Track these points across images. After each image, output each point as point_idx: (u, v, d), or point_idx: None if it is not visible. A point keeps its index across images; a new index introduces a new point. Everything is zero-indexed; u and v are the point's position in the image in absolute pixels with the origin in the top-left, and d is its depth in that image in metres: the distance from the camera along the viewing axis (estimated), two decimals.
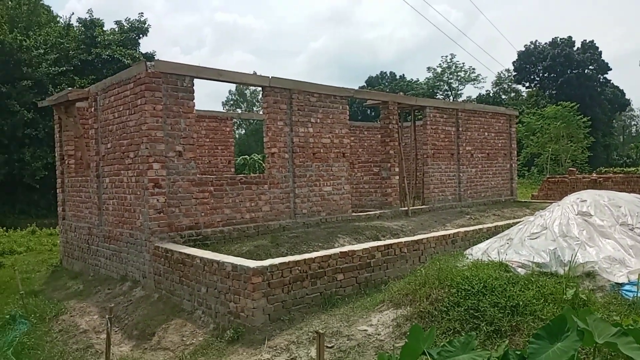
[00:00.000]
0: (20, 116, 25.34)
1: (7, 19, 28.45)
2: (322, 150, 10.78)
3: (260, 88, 10.38)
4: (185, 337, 6.70)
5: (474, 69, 60.13)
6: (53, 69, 27.83)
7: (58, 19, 34.81)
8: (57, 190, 12.37)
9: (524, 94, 57.72)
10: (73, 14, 52.86)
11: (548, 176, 25.47)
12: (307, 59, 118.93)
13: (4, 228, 20.71)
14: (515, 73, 57.73)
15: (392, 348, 5.07)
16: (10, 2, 30.47)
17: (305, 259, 6.86)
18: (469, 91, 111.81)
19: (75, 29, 31.74)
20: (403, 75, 64.63)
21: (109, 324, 6.07)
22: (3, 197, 27.51)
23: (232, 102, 67.67)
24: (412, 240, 8.42)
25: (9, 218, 25.31)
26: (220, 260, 6.78)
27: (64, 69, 28.47)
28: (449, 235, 9.14)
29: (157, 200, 8.30)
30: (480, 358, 3.08)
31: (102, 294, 9.08)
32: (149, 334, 7.07)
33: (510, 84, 60.22)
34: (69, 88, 12.00)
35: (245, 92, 66.20)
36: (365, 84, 62.48)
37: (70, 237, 11.73)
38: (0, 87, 25.22)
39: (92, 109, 10.16)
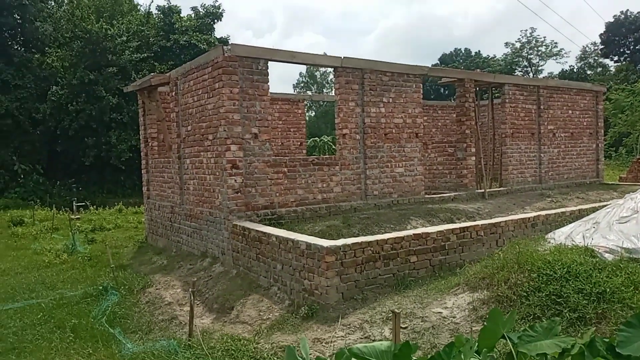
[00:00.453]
0: (106, 101, 27.02)
1: (93, 9, 30.24)
2: (394, 131, 10.65)
3: (331, 69, 10.37)
4: (262, 312, 6.95)
5: (556, 43, 56.67)
6: (135, 55, 29.33)
7: (139, 7, 36.55)
8: (142, 171, 13.12)
9: (612, 68, 53.60)
10: (152, 1, 55.31)
11: (638, 157, 23.65)
12: (378, 38, 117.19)
13: (94, 206, 22.32)
14: (602, 46, 53.64)
15: (468, 331, 5.00)
16: None
17: (377, 240, 6.87)
18: (551, 67, 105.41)
19: (154, 16, 33.18)
20: (479, 51, 62.15)
21: (192, 297, 6.43)
22: (93, 178, 29.63)
23: (302, 85, 68.25)
24: (489, 223, 8.17)
25: (98, 197, 27.26)
26: (294, 239, 6.94)
27: (145, 55, 29.92)
28: (529, 218, 8.77)
29: (235, 180, 8.60)
30: (565, 344, 2.95)
31: (184, 269, 9.60)
32: (228, 308, 7.41)
33: (596, 58, 56.13)
34: (151, 74, 12.62)
35: (316, 74, 66.47)
36: (438, 62, 60.70)
37: (154, 215, 12.45)
38: (88, 74, 26.96)
39: (173, 93, 10.64)
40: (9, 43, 29.15)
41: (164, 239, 11.80)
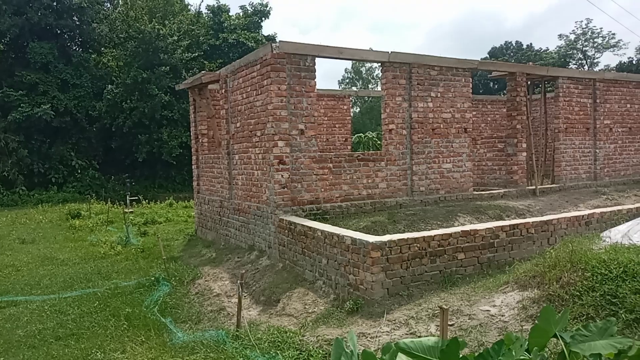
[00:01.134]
0: (158, 99, 27.89)
1: (146, 10, 31.24)
2: (442, 126, 10.49)
3: (377, 64, 10.32)
4: (307, 305, 7.04)
5: (614, 34, 53.95)
6: (186, 54, 30.11)
7: (189, 7, 37.46)
8: (192, 166, 13.50)
9: None
10: (202, 1, 56.56)
11: None
12: (427, 32, 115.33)
13: (146, 200, 23.13)
14: None
15: (518, 330, 4.89)
16: None
17: (424, 237, 6.81)
18: (607, 59, 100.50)
19: (204, 15, 33.94)
20: (530, 44, 59.98)
21: (240, 289, 6.59)
22: (145, 173, 30.70)
23: (347, 81, 68.07)
24: (540, 221, 7.94)
25: (150, 192, 28.24)
26: (340, 234, 6.98)
27: (196, 54, 30.66)
28: (583, 216, 8.46)
29: (282, 176, 8.73)
30: (621, 345, 2.86)
31: (232, 262, 9.82)
32: (274, 301, 7.54)
33: None
34: (202, 72, 12.94)
35: (361, 69, 66.12)
36: (488, 56, 59.10)
37: (204, 209, 12.79)
38: (141, 73, 27.89)
39: (223, 90, 10.88)
40: (69, 44, 30.58)
41: (213, 232, 12.10)
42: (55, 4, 28.34)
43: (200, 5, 37.04)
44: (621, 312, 4.57)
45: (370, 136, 35.06)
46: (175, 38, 29.71)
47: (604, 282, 4.91)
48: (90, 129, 29.46)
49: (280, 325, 6.60)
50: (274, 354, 5.61)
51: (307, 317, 6.70)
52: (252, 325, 6.66)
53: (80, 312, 7.97)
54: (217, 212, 11.77)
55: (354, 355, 2.28)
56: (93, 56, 30.92)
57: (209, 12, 33.60)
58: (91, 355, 6.24)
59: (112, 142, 29.81)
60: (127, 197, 20.94)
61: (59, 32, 29.36)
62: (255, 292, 8.07)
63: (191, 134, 13.53)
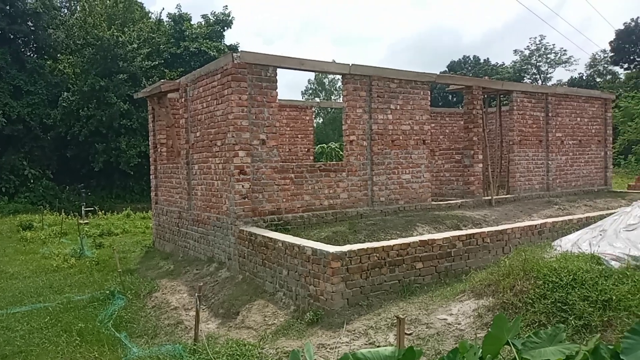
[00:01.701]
0: (116, 107, 27.27)
1: (105, 16, 30.60)
2: (401, 137, 10.67)
3: (339, 76, 10.43)
4: (267, 317, 6.97)
5: (565, 50, 56.56)
6: (146, 62, 29.62)
7: (150, 14, 36.92)
8: (151, 176, 13.22)
9: (621, 76, 53.27)
10: (163, 9, 55.79)
11: None
12: (388, 46, 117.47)
13: (103, 211, 22.49)
14: (612, 54, 53.36)
15: (473, 338, 4.99)
16: (108, 1, 32.72)
17: (383, 246, 6.87)
18: (560, 74, 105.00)
19: (165, 23, 33.51)
20: (487, 59, 62.05)
21: (198, 302, 6.46)
22: (102, 183, 29.88)
23: (310, 92, 68.44)
24: (495, 230, 8.15)
25: (106, 202, 27.48)
26: (301, 245, 6.96)
27: (156, 63, 30.20)
28: (536, 225, 8.74)
29: (243, 186, 8.66)
30: (569, 351, 2.95)
31: (190, 274, 9.64)
32: (233, 313, 7.43)
33: (606, 65, 55.86)
34: (162, 80, 12.74)
35: (324, 80, 66.65)
36: (446, 69, 60.67)
37: (162, 220, 12.53)
38: (99, 81, 27.24)
39: (183, 99, 10.74)
40: (22, 50, 29.57)
41: (171, 244, 11.86)
42: (8, 8, 27.41)
43: (161, 13, 36.63)
44: (571, 318, 4.72)
45: (333, 147, 35.30)
46: (135, 46, 29.20)
47: (554, 290, 5.07)
48: (45, 138, 28.49)
49: (240, 338, 6.51)
50: None
51: (267, 329, 6.64)
52: (210, 339, 6.54)
53: (29, 328, 7.64)
54: (175, 223, 11.55)
55: None
56: (48, 62, 30.00)
57: (170, 20, 33.21)
58: None
59: (68, 151, 28.90)
60: (82, 208, 20.32)
61: (12, 37, 28.37)
62: (214, 304, 7.94)
63: (150, 144, 13.27)
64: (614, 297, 4.74)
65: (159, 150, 12.78)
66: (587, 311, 4.71)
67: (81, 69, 29.12)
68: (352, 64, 9.96)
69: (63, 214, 21.41)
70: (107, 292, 9.20)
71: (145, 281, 9.84)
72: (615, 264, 5.42)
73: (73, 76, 29.73)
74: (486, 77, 15.50)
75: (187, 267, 10.06)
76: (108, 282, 10.12)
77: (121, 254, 12.44)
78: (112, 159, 28.08)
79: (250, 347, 6.02)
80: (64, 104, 27.39)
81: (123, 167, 28.10)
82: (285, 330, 6.41)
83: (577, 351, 3.01)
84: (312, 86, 68.43)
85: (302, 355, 2.64)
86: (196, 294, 6.57)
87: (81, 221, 17.11)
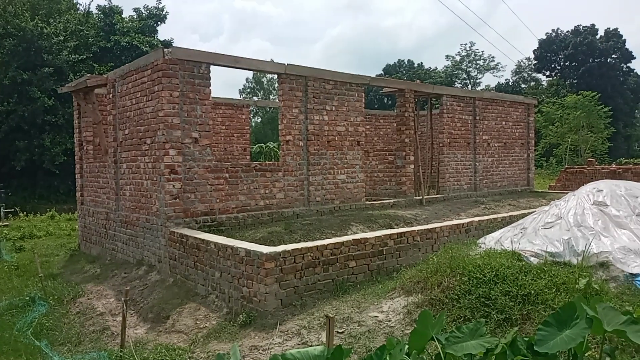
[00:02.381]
0: (40, 103, 25.72)
1: (28, 6, 28.78)
2: (336, 138, 10.77)
3: (276, 75, 10.38)
4: (199, 321, 6.81)
5: (493, 57, 59.61)
6: (73, 56, 28.13)
7: (78, 6, 35.07)
8: (76, 175, 12.58)
9: (544, 83, 56.79)
10: (92, 1, 53.23)
11: (566, 166, 25.11)
12: (325, 47, 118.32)
13: (25, 213, 21.14)
14: (536, 62, 56.77)
15: (402, 334, 5.10)
16: None
17: (317, 246, 6.90)
18: (488, 80, 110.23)
19: (94, 16, 32.00)
20: (421, 63, 64.06)
21: (124, 307, 6.20)
22: (24, 183, 28.08)
23: (249, 90, 67.78)
24: (425, 229, 8.41)
25: (29, 203, 25.84)
26: (234, 246, 6.86)
27: (84, 56, 28.77)
28: (463, 224, 9.10)
29: (173, 186, 8.41)
30: (489, 344, 3.08)
31: (118, 278, 9.25)
32: (163, 317, 7.20)
33: (530, 72, 59.35)
34: (88, 75, 12.15)
35: (262, 80, 66.20)
36: (382, 72, 62.05)
37: (88, 221, 11.95)
38: (21, 74, 25.59)
39: (111, 95, 10.28)
40: None
41: (98, 247, 11.33)
42: None
43: (89, 5, 34.94)
44: (493, 312, 4.94)
45: (271, 146, 35.10)
46: (62, 38, 27.68)
47: (479, 286, 5.28)
48: None
49: (170, 342, 6.32)
50: None
51: (198, 332, 6.48)
52: (138, 344, 6.30)
53: None
54: (102, 225, 11.04)
55: None
56: None
57: (99, 12, 31.71)
58: None
59: None
60: (1, 209, 19.04)
61: None
62: (143, 309, 7.65)
63: (75, 141, 12.62)
64: (533, 292, 5.01)
65: (85, 148, 12.18)
66: (508, 305, 4.95)
67: (1, 61, 27.20)
68: (287, 64, 9.94)
69: None
70: (27, 298, 8.63)
71: (69, 286, 9.33)
72: (534, 260, 5.73)
73: None
74: (418, 81, 15.98)
75: (114, 271, 9.64)
76: (28, 287, 9.50)
77: (43, 258, 11.75)
78: (35, 157, 26.46)
79: (180, 351, 5.86)
80: None
81: (47, 165, 26.55)
82: (217, 333, 6.28)
83: (497, 344, 3.16)
84: (250, 85, 67.82)
85: (228, 359, 2.59)
86: (123, 298, 6.31)
87: (0, 223, 16.00)
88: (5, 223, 17.25)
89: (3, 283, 10.13)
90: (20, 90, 25.70)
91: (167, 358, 5.68)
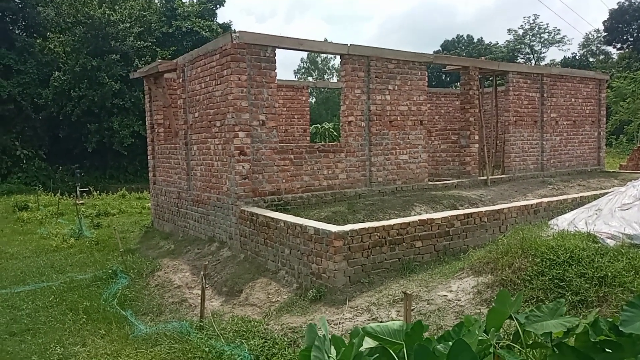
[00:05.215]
0: (108, 87, 27.03)
1: None
2: (399, 118, 10.74)
3: (332, 55, 10.42)
4: (270, 295, 7.12)
5: (559, 30, 56.54)
6: (138, 43, 29.23)
7: None
8: (148, 156, 13.23)
9: (614, 56, 53.46)
10: None
11: (638, 145, 23.76)
12: (380, 24, 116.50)
13: (97, 192, 22.46)
14: (605, 33, 53.40)
15: (473, 313, 5.16)
16: None
17: (384, 226, 7.01)
18: (553, 54, 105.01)
19: (156, 1, 33.00)
20: (481, 38, 61.89)
21: (203, 280, 6.59)
22: (95, 163, 29.77)
23: (303, 70, 67.99)
24: (492, 210, 8.32)
25: (100, 182, 27.42)
26: (303, 224, 7.08)
27: (148, 43, 29.81)
28: (531, 205, 8.91)
29: (243, 167, 8.73)
30: (570, 324, 3.10)
31: (192, 254, 9.76)
32: (237, 291, 7.58)
33: (599, 45, 55.96)
34: (158, 60, 12.67)
35: (317, 60, 66.15)
36: (440, 49, 60.46)
37: (160, 200, 12.59)
38: (91, 60, 26.92)
39: (180, 79, 10.71)
40: (11, 28, 29.09)
41: (171, 224, 11.95)
42: None
43: None
44: (568, 294, 4.90)
45: (327, 127, 35.25)
46: (127, 25, 28.79)
47: (552, 267, 5.24)
48: (36, 118, 28.26)
49: (244, 315, 6.66)
50: (239, 343, 5.67)
51: (271, 306, 6.79)
52: (215, 316, 6.69)
53: (34, 306, 7.75)
54: (174, 204, 11.62)
55: (326, 339, 2.39)
56: (38, 41, 29.55)
57: None
58: (50, 350, 6.11)
59: (60, 131, 28.72)
60: (77, 188, 20.30)
61: (0, 14, 27.87)
62: (217, 283, 8.08)
63: (146, 124, 13.24)
64: (610, 274, 4.92)
65: (156, 130, 12.77)
66: (583, 287, 4.89)
67: (72, 48, 28.73)
68: (350, 44, 9.96)
69: (58, 194, 21.39)
70: (110, 271, 9.30)
71: (146, 260, 9.95)
72: (610, 242, 5.60)
73: (64, 55, 29.35)
74: (482, 58, 15.55)
75: (187, 247, 10.17)
76: (109, 261, 10.23)
77: (121, 234, 12.49)
78: (105, 139, 27.94)
79: (255, 323, 6.17)
80: (55, 84, 27.10)
81: (116, 147, 27.98)
82: (288, 307, 6.56)
83: (577, 324, 3.18)
84: (305, 65, 67.96)
85: (318, 329, 2.77)
86: (201, 272, 6.70)
87: (77, 202, 17.11)
88: (81, 201, 18.42)
89: (86, 257, 10.92)
90: (90, 76, 27.07)
91: (244, 329, 6.00)
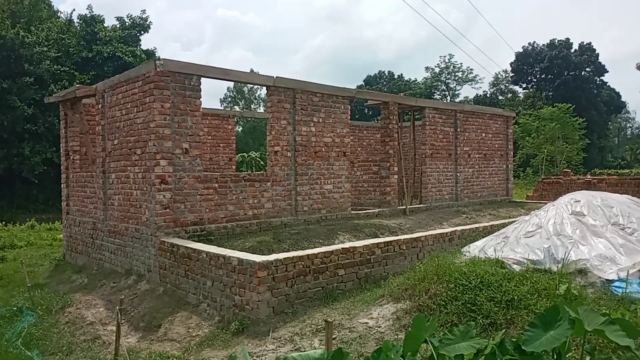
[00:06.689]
0: (20, 111, 25.47)
1: (8, 13, 28.53)
2: (323, 149, 11.00)
3: (259, 86, 10.57)
4: (191, 329, 6.91)
5: (471, 69, 60.71)
6: (55, 66, 27.90)
7: (59, 14, 34.90)
8: (62, 185, 12.53)
9: (520, 95, 58.14)
10: (74, 10, 52.72)
11: (543, 177, 25.77)
12: (305, 57, 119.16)
13: (3, 222, 20.81)
14: (512, 74, 58.11)
15: (393, 339, 5.30)
16: None
17: (308, 255, 7.08)
18: (466, 91, 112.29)
19: (76, 24, 31.83)
20: (401, 74, 65.01)
21: (119, 315, 6.28)
22: (2, 192, 27.65)
23: (229, 99, 67.77)
24: (410, 238, 8.66)
25: (7, 212, 25.43)
26: (226, 255, 6.99)
27: (66, 68, 28.54)
28: (447, 233, 9.38)
29: (164, 196, 8.51)
30: (479, 345, 3.30)
31: (107, 287, 9.28)
32: (155, 326, 7.28)
33: (507, 84, 60.69)
34: (76, 85, 12.17)
35: (244, 89, 66.26)
36: (363, 83, 62.72)
37: (74, 231, 11.91)
38: (1, 83, 25.31)
39: (99, 105, 10.35)
40: None
41: (85, 257, 11.31)
42: None
43: (71, 13, 34.51)
44: (479, 317, 5.18)
45: (253, 156, 35.20)
46: (45, 48, 27.43)
47: (464, 292, 5.53)
48: None
49: (163, 351, 6.41)
50: None
51: (191, 340, 6.58)
52: (131, 353, 6.38)
53: None
54: (89, 235, 11.04)
55: None
56: None
57: (81, 21, 31.57)
58: None
59: None
60: None
61: None
62: (134, 318, 7.72)
63: (61, 151, 12.59)
64: (516, 297, 5.27)
65: (71, 157, 12.16)
66: (493, 310, 5.19)
67: None
68: (276, 77, 10.15)
69: None
70: (15, 308, 8.62)
71: (56, 296, 9.31)
72: (516, 268, 6.01)
73: None
74: (401, 94, 16.35)
75: (102, 281, 9.66)
76: (14, 297, 9.47)
77: (28, 268, 11.62)
78: (14, 166, 26.12)
79: (174, 359, 5.95)
80: None
81: (26, 174, 26.22)
82: (210, 340, 6.40)
83: (486, 345, 3.39)
84: (231, 94, 67.81)
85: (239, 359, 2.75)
86: (117, 307, 6.38)
87: None
88: None
89: None
90: (0, 99, 25.39)
91: None
